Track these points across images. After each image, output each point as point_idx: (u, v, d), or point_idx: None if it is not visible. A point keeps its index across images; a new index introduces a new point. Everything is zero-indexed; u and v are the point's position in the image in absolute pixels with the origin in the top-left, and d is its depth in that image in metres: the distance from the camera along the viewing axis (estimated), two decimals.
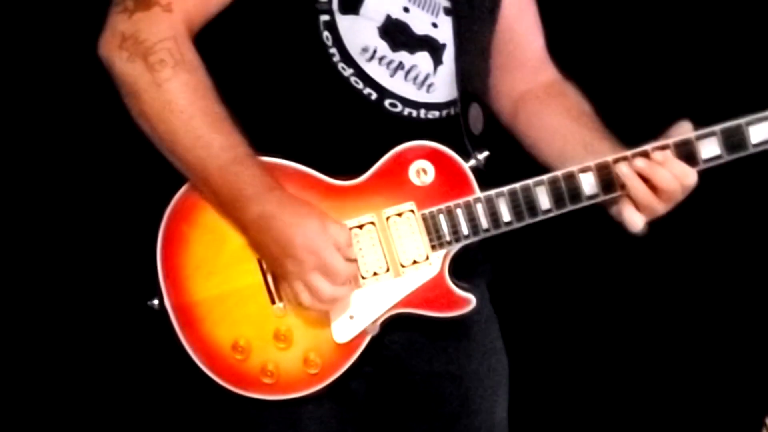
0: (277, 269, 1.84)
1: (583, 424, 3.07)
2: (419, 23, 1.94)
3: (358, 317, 1.88)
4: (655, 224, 2.88)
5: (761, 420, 2.33)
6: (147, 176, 1.89)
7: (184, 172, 1.85)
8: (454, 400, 2.04)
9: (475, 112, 1.96)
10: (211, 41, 1.88)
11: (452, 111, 1.97)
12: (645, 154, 1.84)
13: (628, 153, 1.86)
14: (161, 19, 1.82)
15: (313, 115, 1.92)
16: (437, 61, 1.95)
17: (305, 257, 1.78)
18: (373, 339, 1.90)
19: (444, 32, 1.96)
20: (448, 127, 1.95)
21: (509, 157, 1.96)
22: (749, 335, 2.94)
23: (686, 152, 1.84)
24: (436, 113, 1.96)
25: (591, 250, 2.96)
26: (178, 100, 1.80)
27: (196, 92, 1.81)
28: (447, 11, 1.96)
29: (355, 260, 1.84)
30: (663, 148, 1.84)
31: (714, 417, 2.95)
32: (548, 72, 2.13)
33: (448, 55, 1.96)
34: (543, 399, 2.99)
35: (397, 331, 1.94)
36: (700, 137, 1.84)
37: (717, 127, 1.84)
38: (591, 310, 3.02)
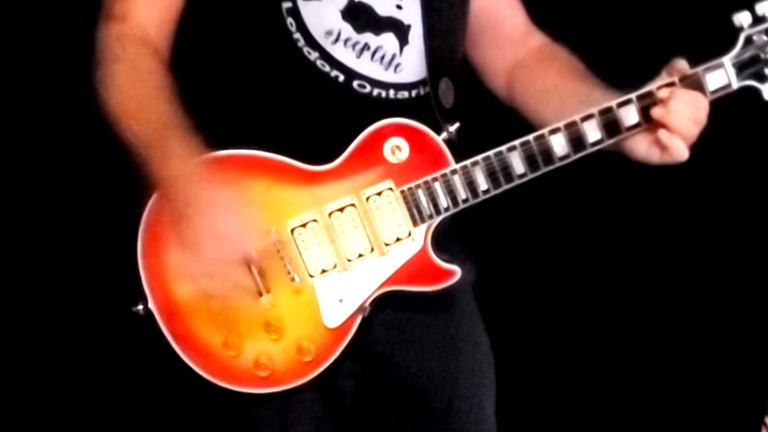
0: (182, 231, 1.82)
1: (578, 424, 3.07)
2: (382, 5, 1.95)
3: (347, 300, 1.89)
4: (647, 221, 2.94)
5: (761, 419, 2.37)
6: (122, 180, 1.87)
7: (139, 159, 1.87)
8: (443, 396, 2.04)
9: (445, 86, 1.98)
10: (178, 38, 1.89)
11: (421, 91, 1.98)
12: (650, 95, 1.87)
13: (632, 95, 1.88)
14: (111, 26, 1.93)
15: (282, 102, 1.92)
16: (403, 41, 1.96)
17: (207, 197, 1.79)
18: (363, 332, 1.90)
19: (409, 13, 1.97)
20: (418, 106, 1.96)
21: (480, 126, 1.98)
22: (748, 335, 2.94)
23: (694, 86, 1.88)
24: (405, 93, 1.97)
25: (577, 247, 2.96)
26: (113, 92, 1.87)
27: (133, 77, 1.88)
28: None
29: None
30: (669, 85, 1.87)
31: (714, 417, 2.94)
32: (535, 38, 2.14)
33: (415, 36, 1.97)
34: (530, 395, 2.97)
35: (386, 329, 1.96)
36: (708, 69, 1.89)
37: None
38: (579, 308, 3.00)
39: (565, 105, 1.95)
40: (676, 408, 3.01)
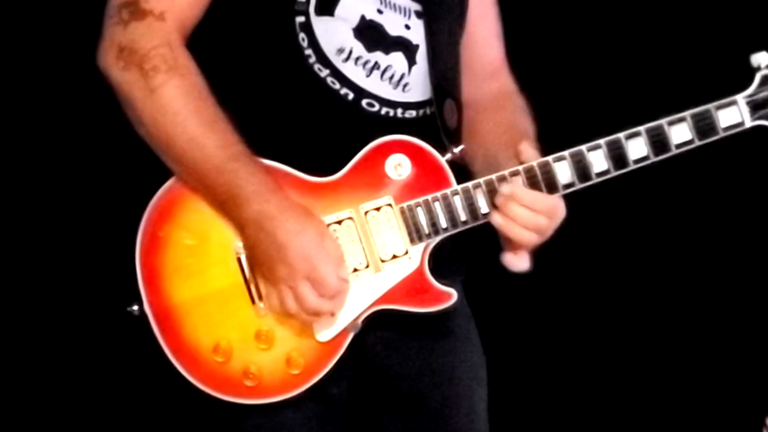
0: (266, 272, 1.84)
1: (578, 424, 3.04)
2: (392, 24, 1.96)
3: (339, 315, 1.87)
4: (645, 221, 2.93)
5: (762, 420, 2.33)
6: (124, 179, 1.90)
7: (185, 178, 1.86)
8: (435, 397, 2.03)
9: (449, 108, 1.98)
10: (191, 44, 1.90)
11: (428, 110, 1.99)
12: (503, 178, 1.88)
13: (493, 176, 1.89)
14: (155, 27, 1.86)
15: (292, 116, 1.93)
16: (411, 61, 1.98)
17: (298, 264, 1.80)
18: (355, 338, 1.89)
19: (416, 33, 1.98)
20: (424, 126, 1.96)
21: None
22: (750, 336, 2.93)
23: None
24: (413, 113, 1.98)
25: (569, 246, 2.95)
26: (171, 104, 1.83)
27: (189, 95, 1.84)
28: (418, 14, 1.99)
29: (346, 280, 1.85)
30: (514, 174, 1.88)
31: (714, 417, 2.93)
32: (499, 81, 2.13)
33: (422, 56, 1.98)
34: (521, 394, 2.97)
35: (377, 331, 1.94)
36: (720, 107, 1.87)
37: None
38: (573, 307, 3.01)
39: (483, 163, 1.97)
40: (677, 409, 2.99)
